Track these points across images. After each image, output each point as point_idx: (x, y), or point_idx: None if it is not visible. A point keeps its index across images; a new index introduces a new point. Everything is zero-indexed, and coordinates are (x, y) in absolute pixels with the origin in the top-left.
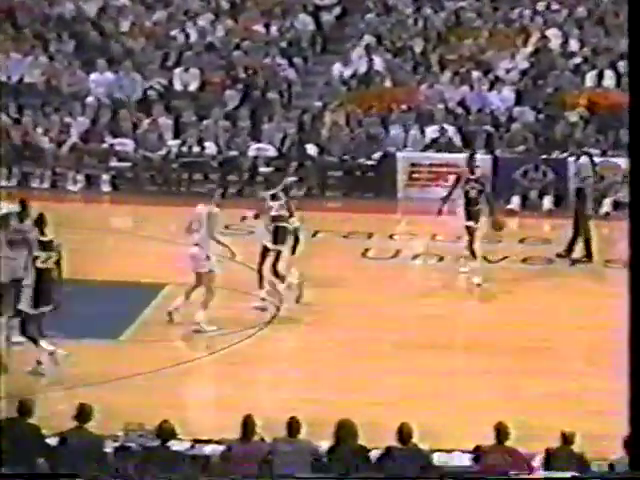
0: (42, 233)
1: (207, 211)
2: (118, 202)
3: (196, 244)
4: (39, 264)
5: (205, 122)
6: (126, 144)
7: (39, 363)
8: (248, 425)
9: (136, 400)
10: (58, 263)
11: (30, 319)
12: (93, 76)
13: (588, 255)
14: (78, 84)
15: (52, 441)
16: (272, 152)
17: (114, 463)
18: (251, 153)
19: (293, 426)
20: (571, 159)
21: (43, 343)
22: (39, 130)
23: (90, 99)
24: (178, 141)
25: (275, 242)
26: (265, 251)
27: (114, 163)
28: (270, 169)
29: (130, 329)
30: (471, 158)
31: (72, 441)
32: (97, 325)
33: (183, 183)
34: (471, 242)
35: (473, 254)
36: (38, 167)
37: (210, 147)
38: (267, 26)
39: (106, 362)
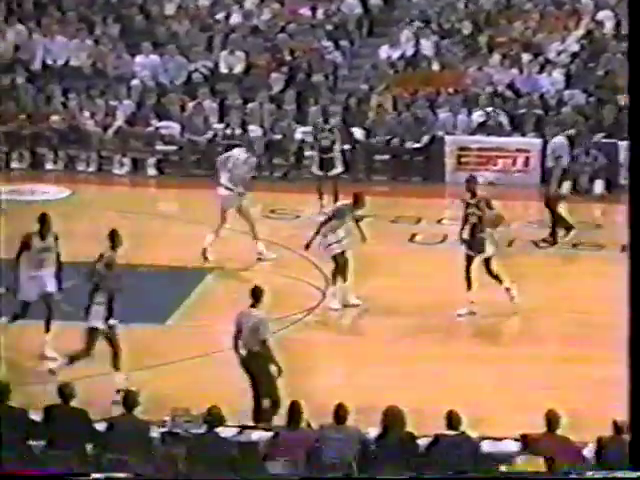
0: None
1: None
2: (164, 186)
3: (226, 186)
4: None
5: (250, 105)
6: (172, 127)
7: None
8: (295, 412)
9: (183, 385)
10: None
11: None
12: (138, 59)
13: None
14: (123, 67)
15: (100, 427)
16: None
17: (161, 449)
18: (297, 136)
19: (341, 413)
20: (622, 143)
21: None
22: (85, 113)
23: (135, 82)
24: (223, 124)
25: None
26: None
27: (160, 146)
28: (314, 152)
29: (177, 313)
30: (471, 180)
31: (119, 427)
32: (144, 309)
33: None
34: (488, 272)
35: (468, 283)
36: (84, 151)
37: (255, 130)
38: (314, 9)
39: (153, 346)
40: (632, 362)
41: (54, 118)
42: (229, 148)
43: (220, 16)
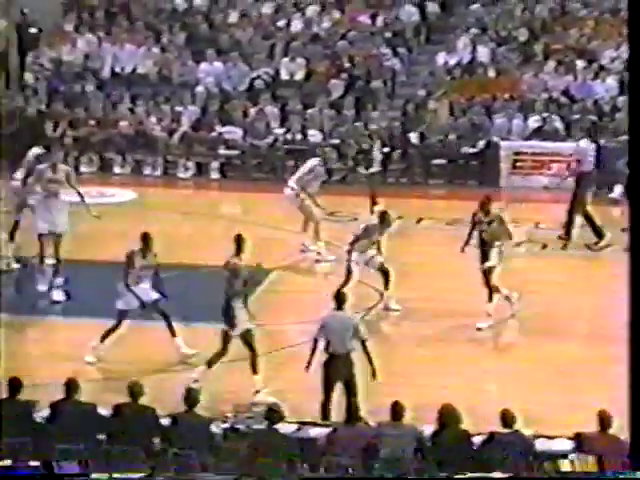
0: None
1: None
2: (226, 189)
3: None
4: None
5: (310, 111)
6: (235, 132)
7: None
8: (353, 409)
9: (246, 382)
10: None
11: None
12: (203, 66)
13: None
14: (188, 74)
15: (165, 421)
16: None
17: (224, 444)
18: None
19: (397, 411)
20: None
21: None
22: (152, 119)
23: (200, 89)
24: (283, 129)
25: None
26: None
27: (223, 151)
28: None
29: None
30: (486, 201)
31: (182, 422)
32: (208, 309)
33: (289, 170)
34: (487, 281)
35: (490, 292)
36: (151, 155)
37: (315, 135)
38: (373, 17)
39: (217, 345)
40: (632, 362)
41: (122, 124)
42: (290, 152)
43: (282, 24)
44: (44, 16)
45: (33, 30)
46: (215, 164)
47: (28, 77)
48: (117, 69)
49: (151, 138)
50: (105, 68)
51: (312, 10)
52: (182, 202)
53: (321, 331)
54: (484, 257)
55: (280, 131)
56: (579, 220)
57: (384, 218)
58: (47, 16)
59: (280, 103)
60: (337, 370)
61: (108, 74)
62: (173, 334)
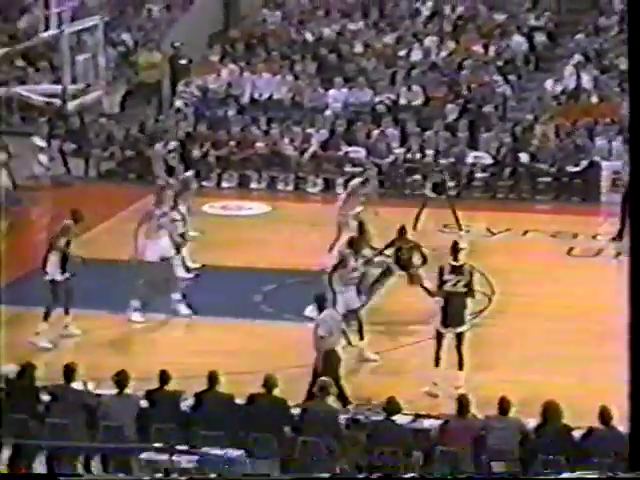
0: (455, 258)
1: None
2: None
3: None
4: (448, 287)
5: (427, 133)
6: (359, 151)
7: None
8: (463, 403)
9: (365, 380)
10: (468, 286)
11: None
12: (331, 92)
13: None
14: (318, 99)
15: (295, 411)
16: (488, 160)
17: (346, 433)
18: (469, 160)
19: (504, 405)
20: None
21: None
22: (285, 140)
23: (328, 112)
24: (403, 149)
25: None
26: None
27: (348, 168)
28: (486, 174)
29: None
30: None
31: (312, 412)
32: None
33: (407, 186)
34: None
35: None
36: (284, 172)
37: (431, 154)
38: (486, 47)
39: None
40: (632, 362)
41: (259, 144)
42: (409, 170)
43: (402, 53)
44: (192, 49)
45: (183, 61)
46: (340, 180)
47: (178, 103)
48: (255, 95)
49: (284, 157)
50: (245, 95)
51: (430, 40)
52: (311, 214)
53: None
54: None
55: (400, 151)
56: None
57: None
58: (195, 48)
59: (400, 125)
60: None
61: (247, 100)
62: (362, 337)
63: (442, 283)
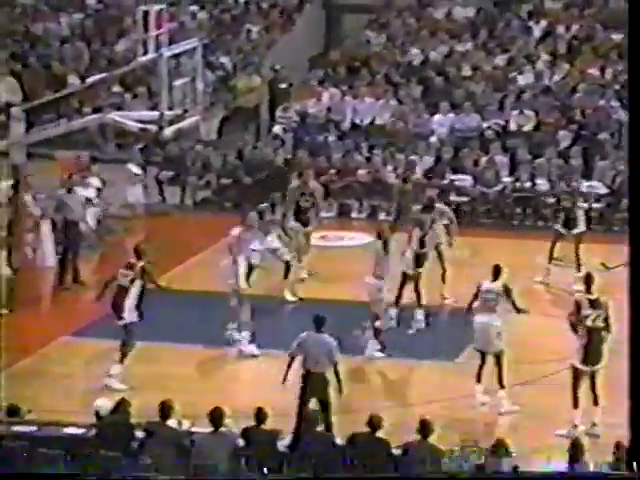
0: (589, 292)
1: None
2: (455, 233)
3: None
4: (589, 322)
5: (538, 160)
6: (465, 180)
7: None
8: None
9: (473, 417)
10: (606, 321)
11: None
12: (436, 117)
13: None
14: (422, 125)
15: (396, 451)
16: (602, 189)
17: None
18: (582, 190)
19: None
20: None
21: None
22: (387, 167)
23: (433, 139)
24: (512, 177)
25: None
26: None
27: (453, 197)
28: (601, 205)
29: (465, 352)
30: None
31: (413, 452)
32: (434, 348)
33: (516, 217)
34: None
35: None
36: (386, 201)
37: (543, 183)
38: (602, 69)
39: (444, 381)
40: (632, 362)
41: (360, 172)
42: (518, 200)
43: (513, 75)
44: (292, 72)
45: (283, 85)
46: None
47: (277, 129)
48: (357, 121)
49: (387, 185)
50: (346, 120)
51: (543, 62)
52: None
53: (297, 349)
54: None
55: (509, 179)
56: None
57: None
58: (295, 72)
59: (509, 152)
60: (311, 387)
61: (348, 125)
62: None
63: (582, 319)
